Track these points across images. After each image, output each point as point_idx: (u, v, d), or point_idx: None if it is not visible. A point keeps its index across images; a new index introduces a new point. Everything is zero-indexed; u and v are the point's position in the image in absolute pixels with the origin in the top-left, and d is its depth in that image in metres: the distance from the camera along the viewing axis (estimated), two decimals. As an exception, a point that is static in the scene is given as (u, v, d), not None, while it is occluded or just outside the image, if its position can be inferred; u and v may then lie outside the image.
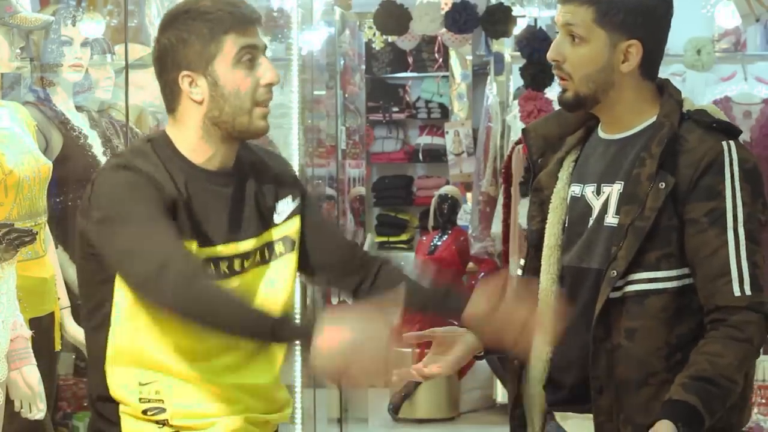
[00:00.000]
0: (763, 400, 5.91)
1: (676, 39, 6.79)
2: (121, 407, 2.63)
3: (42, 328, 3.94)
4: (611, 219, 2.68)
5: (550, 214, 2.80)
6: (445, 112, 10.60)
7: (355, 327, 2.38)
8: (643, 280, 2.64)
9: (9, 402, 3.59)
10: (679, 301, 2.65)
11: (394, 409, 7.82)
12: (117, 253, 2.55)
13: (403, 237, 10.70)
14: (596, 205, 2.72)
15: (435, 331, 2.84)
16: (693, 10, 6.95)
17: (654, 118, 2.72)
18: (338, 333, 2.37)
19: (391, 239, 10.68)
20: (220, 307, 2.47)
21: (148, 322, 2.59)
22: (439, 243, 8.27)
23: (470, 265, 8.24)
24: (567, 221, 2.78)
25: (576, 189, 2.78)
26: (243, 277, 2.69)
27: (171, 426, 2.62)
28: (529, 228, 2.85)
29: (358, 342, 2.36)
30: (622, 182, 2.68)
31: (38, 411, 3.63)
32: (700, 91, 6.89)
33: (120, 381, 2.62)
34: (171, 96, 2.70)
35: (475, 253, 7.78)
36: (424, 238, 8.55)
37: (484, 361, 7.78)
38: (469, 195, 8.64)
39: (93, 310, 2.67)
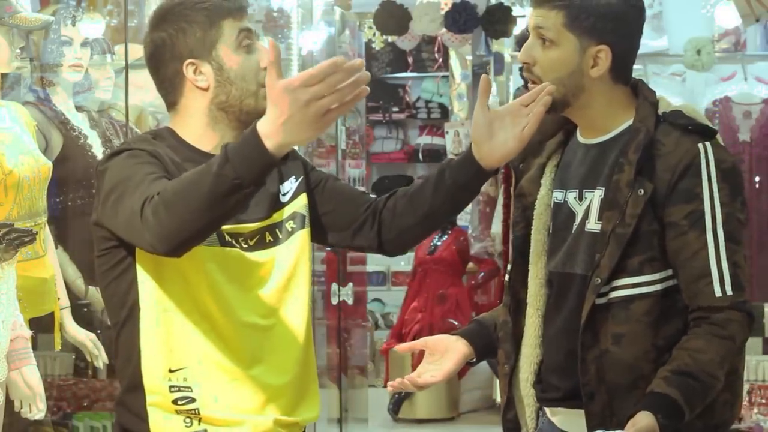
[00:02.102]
0: (763, 400, 5.92)
1: (676, 39, 6.81)
2: (150, 399, 2.62)
3: (42, 329, 3.94)
4: (593, 225, 2.70)
5: (534, 220, 2.81)
6: (445, 112, 10.59)
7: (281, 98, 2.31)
8: (627, 286, 2.65)
9: (9, 402, 3.59)
10: (664, 303, 2.66)
11: (394, 409, 7.82)
12: (124, 219, 2.53)
13: (403, 237, 10.69)
14: (579, 210, 2.74)
15: (427, 340, 2.86)
16: (693, 10, 6.96)
17: (630, 121, 2.72)
18: (273, 110, 2.32)
19: (391, 239, 10.68)
20: (179, 194, 2.39)
21: (175, 305, 2.61)
22: (439, 243, 8.28)
23: (470, 265, 8.24)
24: (551, 227, 2.79)
25: (558, 195, 2.79)
26: (254, 254, 2.69)
27: (200, 420, 2.62)
28: (513, 234, 2.86)
29: (294, 99, 2.29)
30: (603, 188, 2.70)
31: (38, 411, 3.63)
32: (700, 91, 6.89)
33: (151, 368, 2.62)
34: (172, 89, 2.71)
35: (475, 253, 7.78)
36: (424, 238, 8.55)
37: (484, 361, 7.80)
38: (469, 195, 8.62)
39: (119, 304, 2.67)
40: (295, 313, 2.73)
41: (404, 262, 9.91)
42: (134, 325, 2.63)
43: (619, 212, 2.64)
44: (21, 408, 3.61)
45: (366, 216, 2.81)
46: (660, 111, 2.73)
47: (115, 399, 2.75)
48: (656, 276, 2.66)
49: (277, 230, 2.74)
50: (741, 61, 6.88)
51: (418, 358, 8.05)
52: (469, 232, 7.87)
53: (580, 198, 2.74)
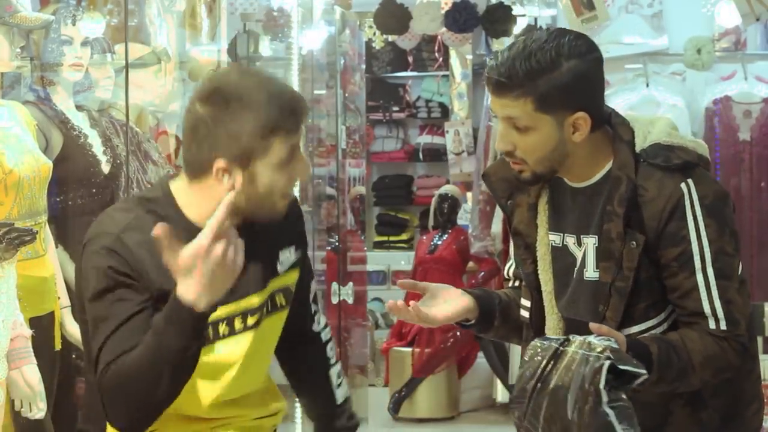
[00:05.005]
0: (764, 400, 5.91)
1: (677, 38, 6.81)
2: None
3: (42, 328, 3.94)
4: (591, 273, 2.69)
5: (539, 262, 2.78)
6: (445, 111, 10.60)
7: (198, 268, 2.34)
8: (636, 334, 2.65)
9: (9, 401, 3.59)
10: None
11: (394, 409, 7.82)
12: (95, 348, 2.52)
13: (403, 236, 10.70)
14: (579, 255, 2.72)
15: (428, 285, 2.81)
16: (693, 10, 6.96)
17: (612, 163, 2.68)
18: (188, 279, 2.34)
19: (391, 239, 10.69)
20: (133, 372, 2.42)
21: None
22: (439, 242, 8.27)
23: (470, 264, 8.24)
24: (553, 270, 2.77)
25: (555, 238, 2.76)
26: (255, 331, 2.64)
27: None
28: (523, 271, 2.82)
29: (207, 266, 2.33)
30: (596, 236, 2.67)
31: (38, 410, 3.63)
32: (700, 90, 6.89)
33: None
34: (199, 167, 2.52)
35: (475, 253, 7.78)
36: (424, 238, 8.55)
37: (484, 360, 7.78)
38: (469, 194, 8.64)
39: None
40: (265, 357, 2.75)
41: (404, 262, 9.92)
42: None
43: (615, 264, 2.63)
44: (21, 407, 3.61)
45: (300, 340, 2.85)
46: (639, 144, 2.68)
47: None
48: (662, 316, 2.67)
49: (271, 301, 2.69)
50: (741, 60, 6.88)
51: (418, 356, 8.04)
52: (470, 231, 7.87)
53: (579, 243, 2.72)
